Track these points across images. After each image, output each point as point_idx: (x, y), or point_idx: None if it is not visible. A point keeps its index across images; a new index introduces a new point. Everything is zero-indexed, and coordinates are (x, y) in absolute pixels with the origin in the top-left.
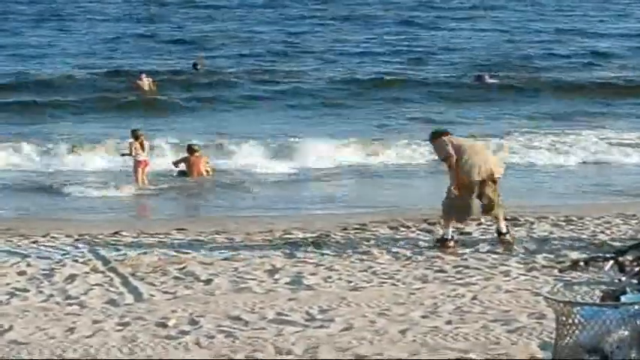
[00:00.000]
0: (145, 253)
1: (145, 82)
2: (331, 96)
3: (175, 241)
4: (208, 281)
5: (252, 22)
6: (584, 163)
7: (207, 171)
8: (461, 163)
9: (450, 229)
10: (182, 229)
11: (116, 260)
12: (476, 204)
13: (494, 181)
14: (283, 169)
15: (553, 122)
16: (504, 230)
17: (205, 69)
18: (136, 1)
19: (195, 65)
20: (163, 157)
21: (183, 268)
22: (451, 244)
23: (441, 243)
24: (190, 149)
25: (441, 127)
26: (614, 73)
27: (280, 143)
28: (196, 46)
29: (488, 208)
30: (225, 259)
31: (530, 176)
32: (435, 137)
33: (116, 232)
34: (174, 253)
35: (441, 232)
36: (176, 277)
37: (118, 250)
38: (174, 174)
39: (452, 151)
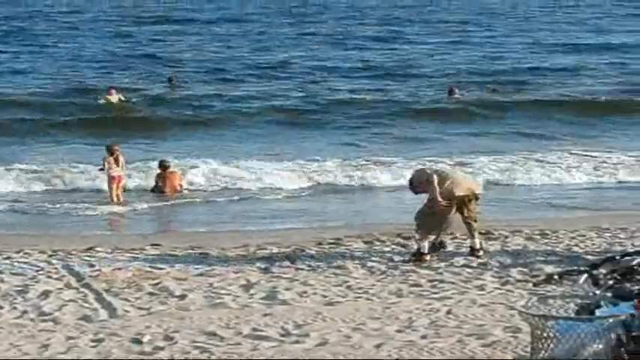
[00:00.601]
0: (120, 268)
1: (115, 97)
2: (305, 114)
3: (150, 257)
4: (183, 297)
5: (224, 39)
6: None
7: (180, 185)
8: (445, 182)
9: (426, 243)
10: (156, 245)
11: (90, 276)
12: (453, 219)
13: (476, 197)
14: (259, 185)
15: (518, 140)
16: (478, 246)
17: (180, 84)
18: (109, 18)
19: (170, 80)
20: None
21: (158, 283)
22: (427, 257)
23: (417, 257)
24: (162, 165)
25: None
26: (585, 88)
27: (255, 161)
28: (170, 63)
29: (470, 222)
30: (200, 274)
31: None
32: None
33: (90, 248)
34: (149, 269)
35: (416, 246)
36: (150, 293)
37: (92, 265)
38: (149, 189)
39: (438, 194)
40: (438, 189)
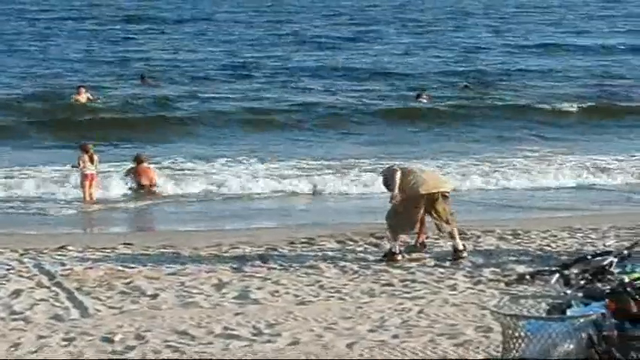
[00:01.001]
0: (91, 267)
1: (84, 97)
2: (274, 114)
3: (122, 256)
4: (155, 296)
5: (196, 38)
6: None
7: (154, 179)
8: (407, 180)
9: (398, 243)
10: (129, 244)
11: (62, 275)
12: (418, 218)
13: (444, 197)
14: (232, 185)
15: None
16: (461, 247)
17: (152, 82)
18: (80, 18)
19: (142, 77)
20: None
21: (130, 282)
22: (399, 257)
23: (390, 257)
24: (138, 159)
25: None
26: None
27: (226, 162)
28: (142, 61)
29: (440, 222)
30: (172, 273)
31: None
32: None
33: (62, 247)
34: (121, 268)
35: (388, 246)
36: (122, 292)
37: (64, 264)
38: (128, 186)
39: (395, 188)
40: (397, 184)
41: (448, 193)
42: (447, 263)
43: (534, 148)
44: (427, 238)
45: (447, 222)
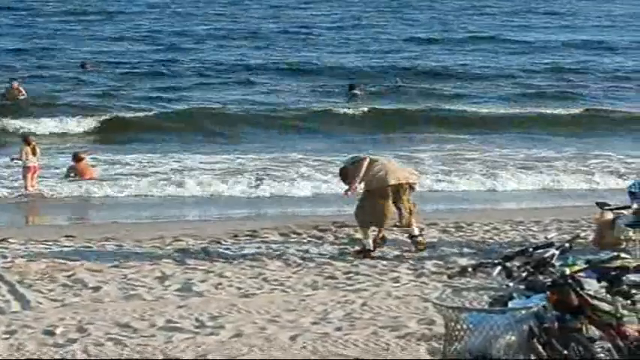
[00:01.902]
0: (33, 260)
1: (17, 90)
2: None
3: (64, 248)
4: (97, 288)
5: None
6: None
7: (96, 177)
8: (373, 171)
9: (370, 239)
10: (71, 236)
11: (3, 267)
12: (388, 212)
13: (411, 188)
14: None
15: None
16: (417, 232)
17: (95, 69)
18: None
19: (83, 65)
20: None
21: (72, 275)
22: (372, 254)
23: (364, 254)
24: (77, 157)
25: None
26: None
27: (166, 153)
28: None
29: (404, 213)
30: (115, 266)
31: None
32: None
33: (3, 239)
34: (63, 260)
35: (363, 241)
36: (64, 285)
37: (5, 257)
38: (68, 180)
39: (358, 178)
40: (362, 173)
41: (415, 184)
42: (390, 256)
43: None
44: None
45: (410, 213)
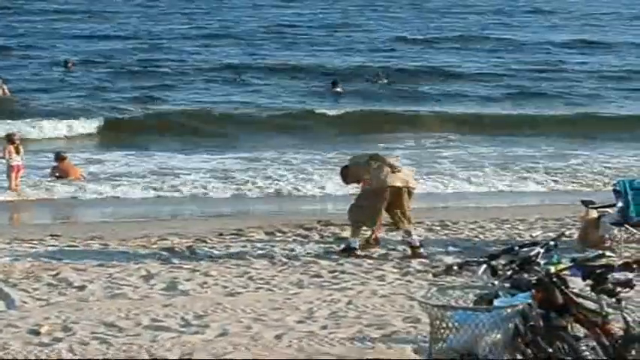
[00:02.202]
0: (18, 259)
1: (2, 89)
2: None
3: (49, 248)
4: (82, 287)
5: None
6: None
7: (82, 175)
8: (376, 170)
9: (357, 238)
10: (56, 235)
11: None
12: (381, 213)
13: (409, 192)
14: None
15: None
16: (417, 244)
17: (76, 68)
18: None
19: (66, 63)
20: None
21: (57, 274)
22: (358, 252)
23: (350, 252)
24: (59, 157)
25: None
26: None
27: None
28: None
29: (400, 219)
30: (100, 265)
31: None
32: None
33: None
34: (48, 260)
35: (350, 240)
36: (49, 284)
37: None
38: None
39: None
40: (362, 172)
41: (414, 189)
42: (376, 255)
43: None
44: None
45: (409, 220)
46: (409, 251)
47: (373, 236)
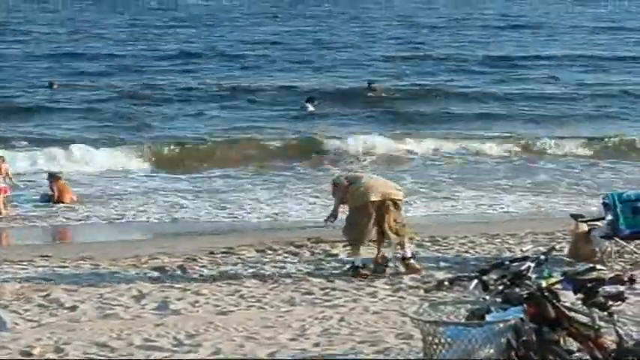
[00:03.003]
0: (8, 281)
1: None
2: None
3: (39, 268)
4: (73, 308)
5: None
6: None
7: (73, 197)
8: (354, 187)
9: (360, 257)
10: (46, 256)
11: None
12: (372, 227)
13: (395, 205)
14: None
15: None
16: (409, 255)
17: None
18: None
19: (51, 85)
20: None
21: (48, 295)
22: (364, 271)
23: (354, 272)
24: (54, 177)
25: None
26: None
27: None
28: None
29: (389, 233)
30: (91, 285)
31: None
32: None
33: None
34: (39, 280)
35: (353, 259)
36: (40, 305)
37: None
38: (39, 199)
39: (338, 199)
40: (340, 196)
41: (400, 200)
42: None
43: None
44: (345, 246)
45: (397, 233)
46: (401, 267)
47: (380, 254)
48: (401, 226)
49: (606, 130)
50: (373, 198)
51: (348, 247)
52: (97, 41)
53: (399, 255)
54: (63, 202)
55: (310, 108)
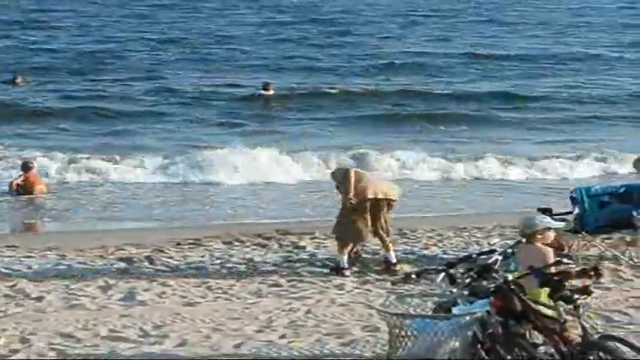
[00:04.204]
0: None
1: None
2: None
3: (5, 259)
4: (40, 298)
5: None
6: None
7: (46, 186)
8: (359, 183)
9: (346, 257)
10: (12, 246)
11: None
12: (366, 227)
13: (389, 205)
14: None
15: None
16: (394, 260)
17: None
18: None
19: (14, 79)
20: None
21: (14, 285)
22: (347, 272)
23: (338, 271)
24: (26, 166)
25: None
26: None
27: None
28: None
29: (381, 232)
30: (57, 275)
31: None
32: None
33: None
34: (5, 271)
35: (337, 258)
36: (6, 295)
37: None
38: (9, 191)
39: (351, 190)
40: (352, 184)
41: (394, 201)
42: (334, 263)
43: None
44: (313, 238)
45: (388, 233)
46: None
47: (353, 250)
48: (390, 227)
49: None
50: (371, 196)
51: (335, 245)
52: None
53: (387, 256)
54: (32, 194)
55: (262, 92)
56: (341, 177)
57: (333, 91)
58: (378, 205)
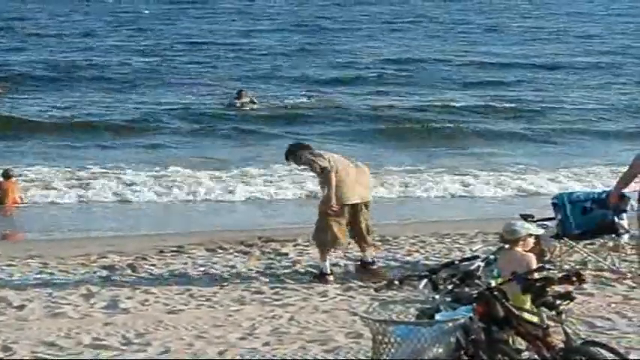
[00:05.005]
0: None
1: None
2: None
3: None
4: (21, 307)
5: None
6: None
7: (20, 197)
8: (333, 183)
9: (328, 262)
10: None
11: None
12: (344, 231)
13: (366, 206)
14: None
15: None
16: (370, 260)
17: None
18: None
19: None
20: None
21: None
22: (331, 278)
23: (320, 278)
24: (6, 175)
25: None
26: None
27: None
28: None
29: (361, 235)
30: (39, 283)
31: None
32: (297, 150)
33: None
34: None
35: (320, 265)
36: None
37: None
38: None
39: (328, 164)
40: (334, 192)
41: (369, 201)
42: (317, 270)
43: None
44: (296, 245)
45: (369, 231)
46: (361, 271)
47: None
48: (370, 225)
49: None
50: (351, 201)
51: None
52: None
53: (365, 259)
54: (6, 203)
55: (237, 102)
56: (316, 163)
57: (311, 100)
58: (356, 209)
